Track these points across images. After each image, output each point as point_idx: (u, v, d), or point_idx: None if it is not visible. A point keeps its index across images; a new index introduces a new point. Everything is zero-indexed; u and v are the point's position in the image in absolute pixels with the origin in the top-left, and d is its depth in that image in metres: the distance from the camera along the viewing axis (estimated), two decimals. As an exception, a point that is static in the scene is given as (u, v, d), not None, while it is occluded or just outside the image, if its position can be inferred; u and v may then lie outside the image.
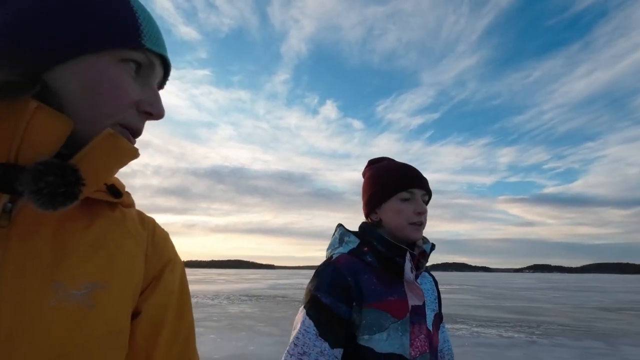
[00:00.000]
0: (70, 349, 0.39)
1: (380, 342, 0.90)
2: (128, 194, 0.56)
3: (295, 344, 0.89)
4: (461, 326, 9.37)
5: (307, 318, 0.91)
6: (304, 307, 0.94)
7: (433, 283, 1.16)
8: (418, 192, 1.04)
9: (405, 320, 0.94)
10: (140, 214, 0.56)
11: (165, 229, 0.59)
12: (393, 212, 1.03)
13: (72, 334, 0.39)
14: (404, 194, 1.03)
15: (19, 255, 0.39)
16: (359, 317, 0.91)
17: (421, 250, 1.04)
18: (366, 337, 0.90)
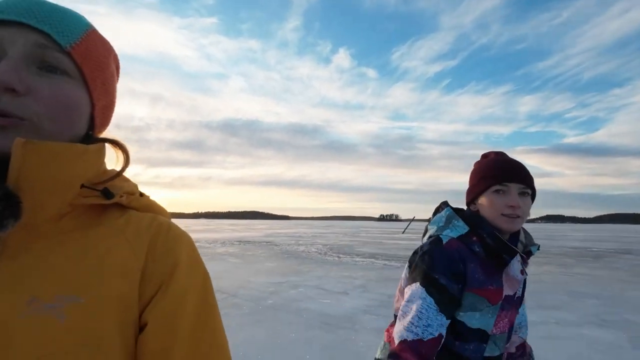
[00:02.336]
0: (40, 355, 0.38)
1: (472, 319, 1.04)
2: (144, 197, 0.55)
3: (419, 317, 0.98)
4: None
5: (428, 296, 1.00)
6: (421, 284, 1.03)
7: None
8: (514, 186, 1.08)
9: (497, 306, 1.07)
10: (154, 219, 0.53)
11: (185, 231, 0.55)
12: (487, 204, 1.11)
13: (39, 346, 0.38)
14: (498, 187, 1.09)
15: (1, 273, 0.40)
16: (461, 299, 1.04)
17: (528, 250, 1.14)
18: (461, 313, 1.04)
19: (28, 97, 0.43)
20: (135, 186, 0.56)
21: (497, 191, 1.09)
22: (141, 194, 0.56)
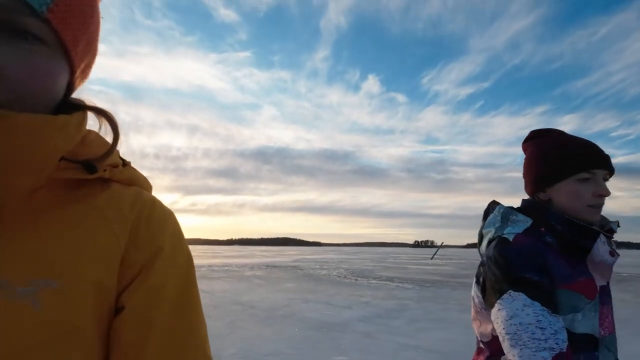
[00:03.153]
0: (12, 348, 0.34)
1: (575, 322, 0.86)
2: (127, 167, 0.50)
3: (541, 328, 0.78)
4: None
5: (532, 301, 0.81)
6: (515, 290, 0.83)
7: None
8: (600, 172, 0.93)
9: (596, 301, 0.90)
10: (138, 194, 0.49)
11: (170, 210, 0.51)
12: (569, 193, 0.94)
13: (13, 333, 0.35)
14: (584, 174, 0.92)
15: None
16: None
17: (608, 228, 0.98)
18: (561, 318, 0.83)
19: None
20: (118, 154, 0.50)
21: (583, 179, 0.93)
22: (124, 163, 0.51)
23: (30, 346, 0.36)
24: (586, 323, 0.88)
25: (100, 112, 0.48)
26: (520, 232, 0.94)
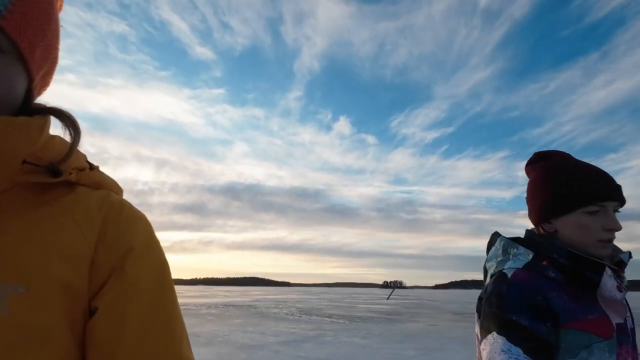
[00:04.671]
0: None
1: None
2: (94, 171, 0.50)
3: None
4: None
5: (513, 346, 0.74)
6: (498, 333, 0.77)
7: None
8: (610, 205, 0.84)
9: (613, 340, 0.80)
10: (106, 196, 0.48)
11: (140, 212, 0.51)
12: (576, 226, 0.85)
13: None
14: (593, 207, 0.83)
15: None
16: (556, 340, 0.78)
17: (618, 260, 0.88)
18: None
19: None
20: (84, 158, 0.50)
21: (593, 212, 0.83)
22: (91, 167, 0.50)
23: (2, 350, 0.35)
24: None
25: (60, 114, 0.47)
26: (520, 267, 0.86)
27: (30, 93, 0.46)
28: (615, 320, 0.83)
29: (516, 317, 0.78)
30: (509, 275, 0.85)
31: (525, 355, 0.74)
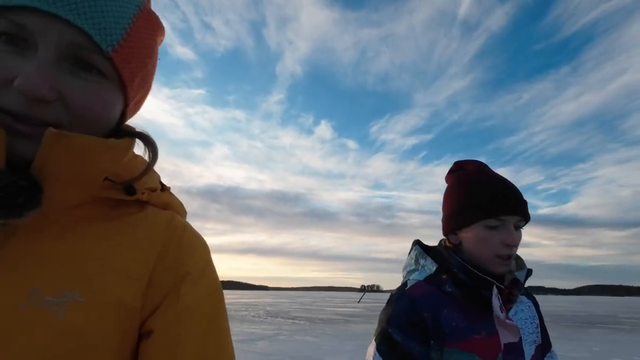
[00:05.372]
0: (36, 354, 0.36)
1: None
2: (165, 192, 0.54)
3: None
4: (297, 321, 15.88)
5: (377, 354, 0.79)
6: (375, 339, 0.82)
7: (533, 308, 0.95)
8: (511, 219, 0.84)
9: None
10: (172, 219, 0.52)
11: (201, 236, 0.54)
12: (476, 239, 0.85)
13: (35, 342, 0.37)
14: (492, 222, 0.83)
15: (4, 260, 0.39)
16: (440, 358, 0.78)
17: (512, 278, 0.87)
18: None
19: (58, 104, 0.40)
20: (158, 179, 0.54)
21: (492, 227, 0.84)
22: (162, 188, 0.54)
23: (52, 354, 0.37)
24: None
25: (144, 138, 0.51)
26: (422, 279, 0.87)
27: (124, 116, 0.50)
28: (507, 339, 0.82)
29: (392, 330, 0.79)
30: (407, 287, 0.87)
31: None
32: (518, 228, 0.87)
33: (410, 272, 0.94)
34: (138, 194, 0.49)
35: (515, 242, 0.84)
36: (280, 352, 8.14)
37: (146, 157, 0.52)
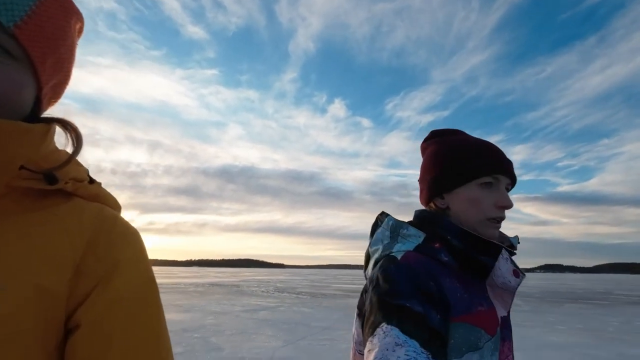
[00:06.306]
0: None
1: None
2: (94, 185, 0.52)
3: None
4: (301, 295, 17.57)
5: (409, 338, 0.60)
6: (389, 323, 0.62)
7: None
8: (504, 180, 0.79)
9: (497, 336, 0.72)
10: (101, 209, 0.50)
11: (134, 228, 0.51)
12: (469, 200, 0.78)
13: None
14: (487, 179, 0.77)
15: None
16: (446, 334, 0.67)
17: (509, 245, 0.83)
18: None
19: None
20: (86, 172, 0.51)
21: (486, 184, 0.78)
22: (91, 181, 0.52)
23: None
24: None
25: (64, 124, 0.48)
26: (411, 249, 0.76)
27: (39, 102, 0.47)
28: (501, 313, 0.76)
29: (409, 303, 0.64)
30: (399, 258, 0.74)
31: (423, 349, 0.59)
32: (507, 192, 0.81)
33: (388, 245, 0.80)
34: (61, 184, 0.46)
35: (510, 204, 0.78)
36: (276, 319, 9.64)
37: (69, 147, 0.50)
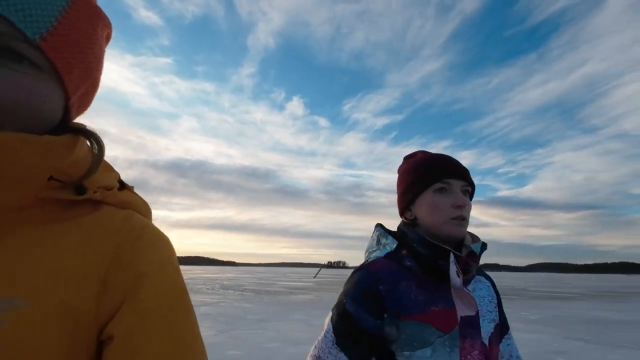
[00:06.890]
0: None
1: (423, 359, 0.77)
2: (123, 191, 0.51)
3: (314, 346, 0.84)
4: (245, 292, 18.11)
5: (329, 323, 0.84)
6: (332, 309, 0.86)
7: (491, 288, 0.97)
8: (456, 183, 0.90)
9: (454, 333, 0.80)
10: (129, 217, 0.48)
11: (164, 235, 0.50)
12: (428, 207, 0.90)
13: None
14: (439, 185, 0.89)
15: None
16: (396, 331, 0.79)
17: (469, 251, 0.90)
18: (407, 353, 0.78)
19: None
20: (116, 177, 0.51)
21: (439, 190, 0.89)
22: (122, 186, 0.51)
23: None
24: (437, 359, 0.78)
25: (88, 134, 0.48)
26: (382, 255, 0.91)
27: (68, 111, 0.46)
28: (463, 312, 0.83)
29: (347, 302, 0.83)
30: (367, 262, 0.90)
31: (333, 335, 0.81)
32: (465, 194, 0.91)
33: (371, 253, 0.96)
34: (89, 193, 0.45)
35: (464, 202, 0.87)
36: (216, 313, 10.30)
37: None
